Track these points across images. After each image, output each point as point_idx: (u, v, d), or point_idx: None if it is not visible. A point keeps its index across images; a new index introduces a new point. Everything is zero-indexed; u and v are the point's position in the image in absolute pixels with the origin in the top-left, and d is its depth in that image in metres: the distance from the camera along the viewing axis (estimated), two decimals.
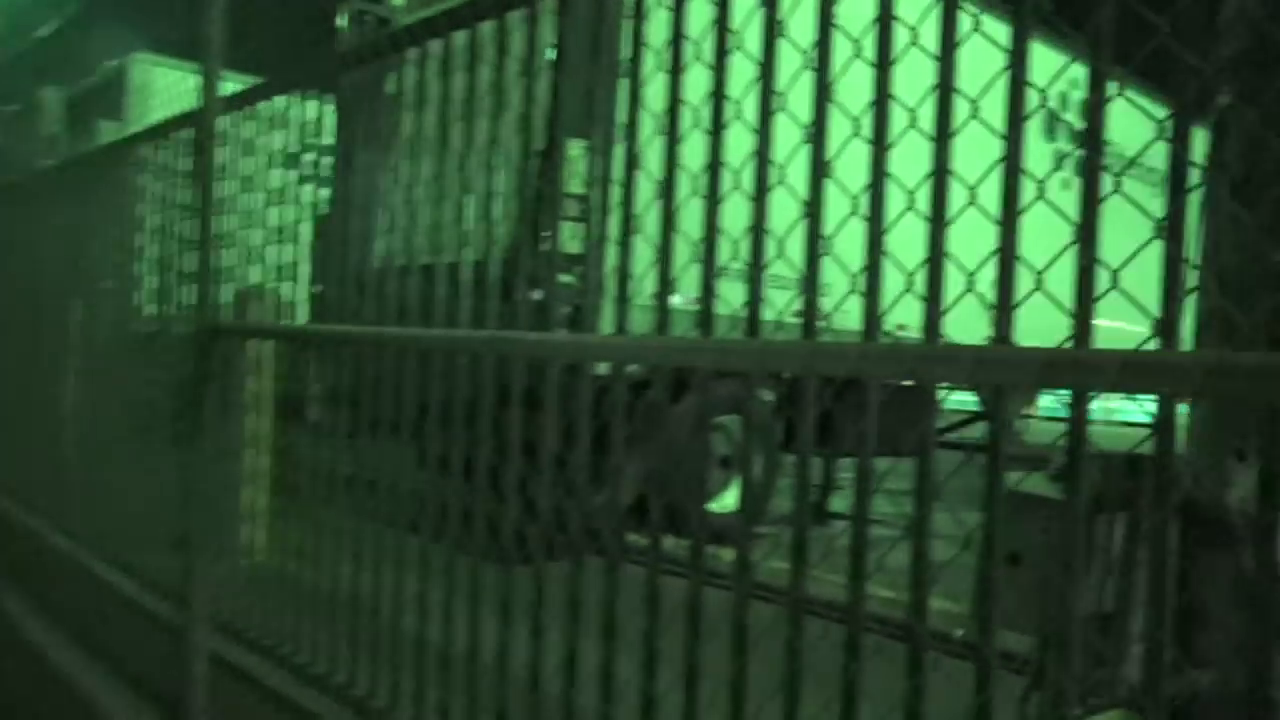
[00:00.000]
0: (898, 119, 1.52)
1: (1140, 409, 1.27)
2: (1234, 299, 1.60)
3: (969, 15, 1.47)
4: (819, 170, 1.62)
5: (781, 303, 1.82)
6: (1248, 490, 1.50)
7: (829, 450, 5.91)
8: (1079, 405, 1.31)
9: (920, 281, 1.46)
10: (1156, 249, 1.26)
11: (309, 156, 3.09)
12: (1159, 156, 1.32)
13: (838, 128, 1.60)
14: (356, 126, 2.91)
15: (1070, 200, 1.35)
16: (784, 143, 1.69)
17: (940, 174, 1.45)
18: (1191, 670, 1.51)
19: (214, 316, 3.12)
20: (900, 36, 1.53)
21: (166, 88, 5.82)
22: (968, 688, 1.39)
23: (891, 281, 1.52)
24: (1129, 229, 1.37)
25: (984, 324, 1.39)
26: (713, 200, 1.79)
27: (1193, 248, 1.31)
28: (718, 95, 1.79)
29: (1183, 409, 1.35)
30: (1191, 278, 1.27)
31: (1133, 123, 1.45)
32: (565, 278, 2.28)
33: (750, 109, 1.73)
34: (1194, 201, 1.32)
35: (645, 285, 1.93)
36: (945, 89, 1.45)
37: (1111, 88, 1.32)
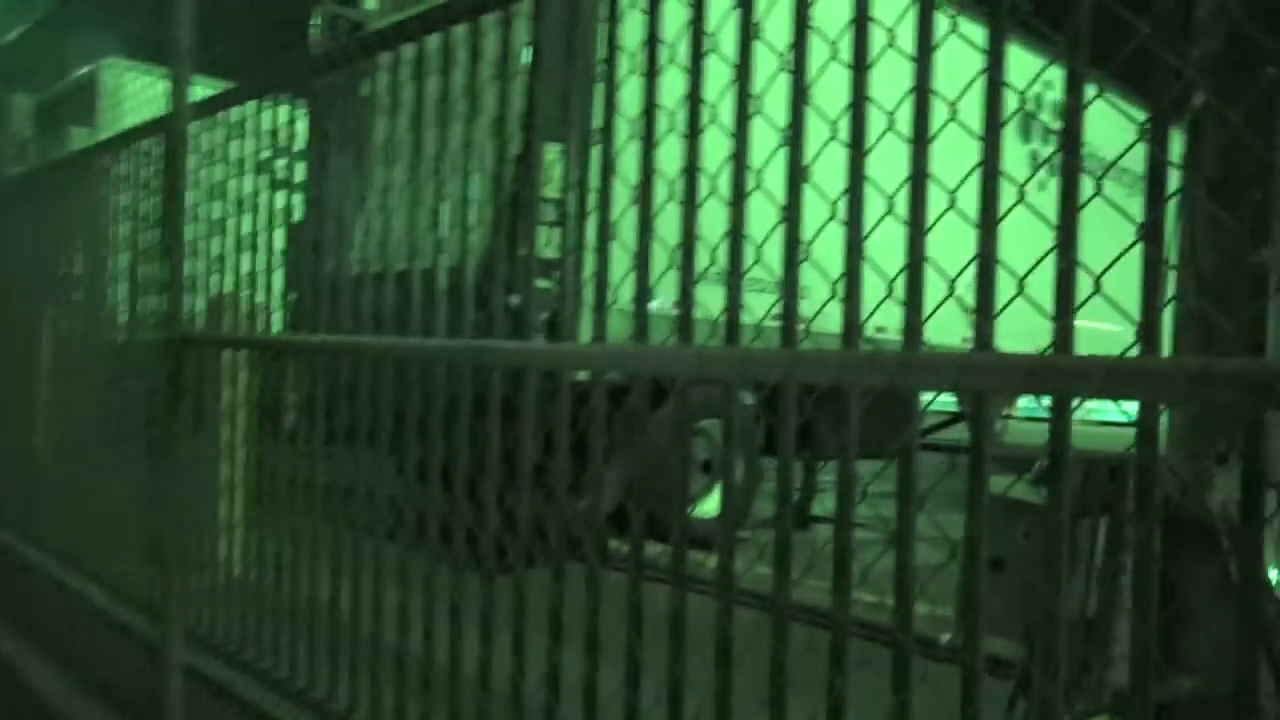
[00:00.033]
0: (876, 122, 1.51)
1: (1118, 409, 1.25)
2: (1212, 300, 1.60)
3: (946, 17, 1.46)
4: (797, 174, 1.60)
5: (760, 308, 1.80)
6: (1229, 494, 1.49)
7: (810, 454, 5.90)
8: (1061, 411, 1.30)
9: (900, 287, 1.45)
10: (1134, 250, 1.25)
11: (281, 162, 3.05)
12: (1134, 158, 1.31)
13: (815, 131, 1.58)
14: (329, 132, 2.88)
15: (1046, 201, 1.33)
16: (761, 146, 1.68)
17: (919, 177, 1.43)
18: (1175, 675, 1.50)
19: (185, 326, 3.08)
20: (877, 38, 1.51)
21: (138, 92, 5.74)
22: (954, 694, 1.38)
23: (871, 286, 1.50)
24: (1107, 230, 1.36)
25: (963, 324, 1.37)
26: (690, 205, 1.77)
27: (1171, 249, 1.30)
28: (694, 99, 1.77)
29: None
30: (1170, 280, 1.26)
31: (1108, 124, 1.44)
32: (542, 283, 2.26)
33: (727, 112, 1.71)
34: (1170, 203, 1.31)
35: (623, 292, 1.91)
36: (923, 91, 1.44)
37: (1089, 90, 1.31)
